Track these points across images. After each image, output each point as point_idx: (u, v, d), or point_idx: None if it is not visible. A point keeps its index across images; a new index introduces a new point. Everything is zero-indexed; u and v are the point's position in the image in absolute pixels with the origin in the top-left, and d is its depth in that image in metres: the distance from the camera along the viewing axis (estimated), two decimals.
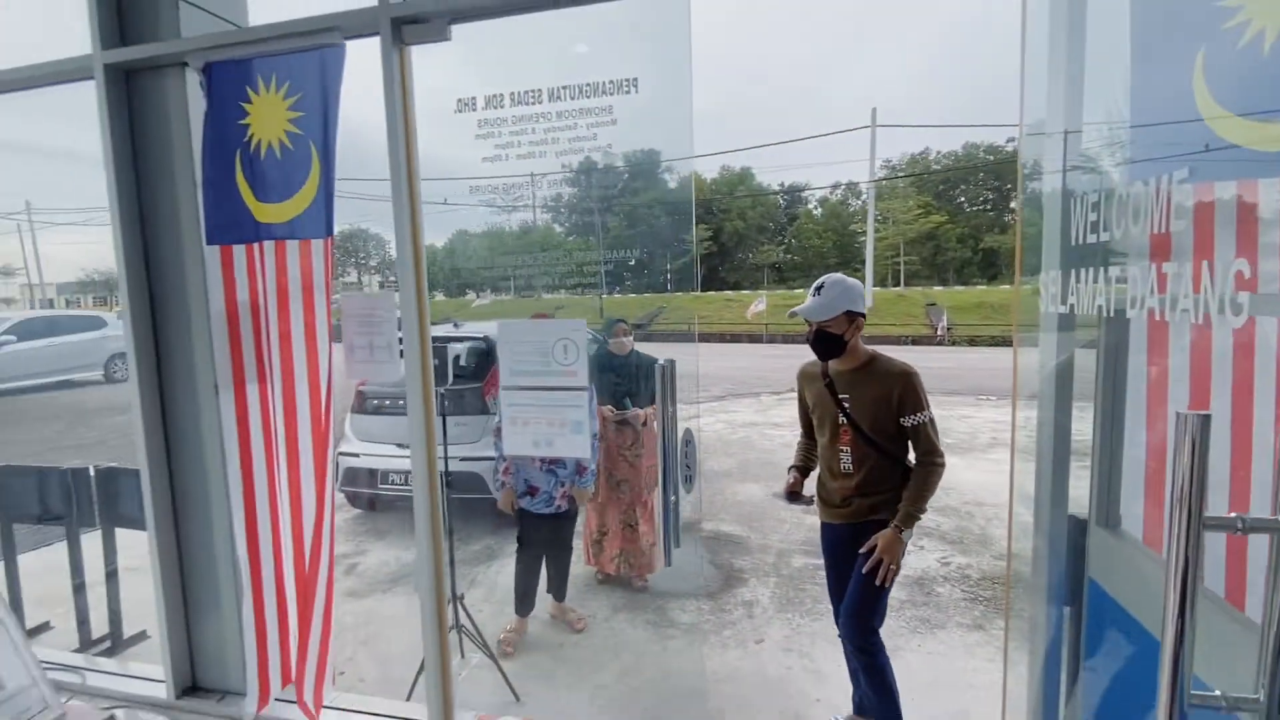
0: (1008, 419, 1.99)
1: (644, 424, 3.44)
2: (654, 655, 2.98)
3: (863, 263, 31.00)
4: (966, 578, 3.70)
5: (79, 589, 3.27)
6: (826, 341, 2.22)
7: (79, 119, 2.59)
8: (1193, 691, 0.98)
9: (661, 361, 2.06)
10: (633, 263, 2.48)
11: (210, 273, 2.18)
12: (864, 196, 37.16)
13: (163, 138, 2.24)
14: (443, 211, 2.70)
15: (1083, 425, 1.69)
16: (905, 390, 2.12)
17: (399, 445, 4.69)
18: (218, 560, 2.40)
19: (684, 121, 2.10)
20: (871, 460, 2.18)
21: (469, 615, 2.56)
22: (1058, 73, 1.71)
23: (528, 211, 2.81)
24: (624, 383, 3.52)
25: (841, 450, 2.22)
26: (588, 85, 1.88)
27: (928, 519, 5.00)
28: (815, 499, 2.37)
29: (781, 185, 43.73)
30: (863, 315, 2.20)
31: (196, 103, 2.16)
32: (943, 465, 2.16)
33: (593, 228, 2.54)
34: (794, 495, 2.35)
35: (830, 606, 2.43)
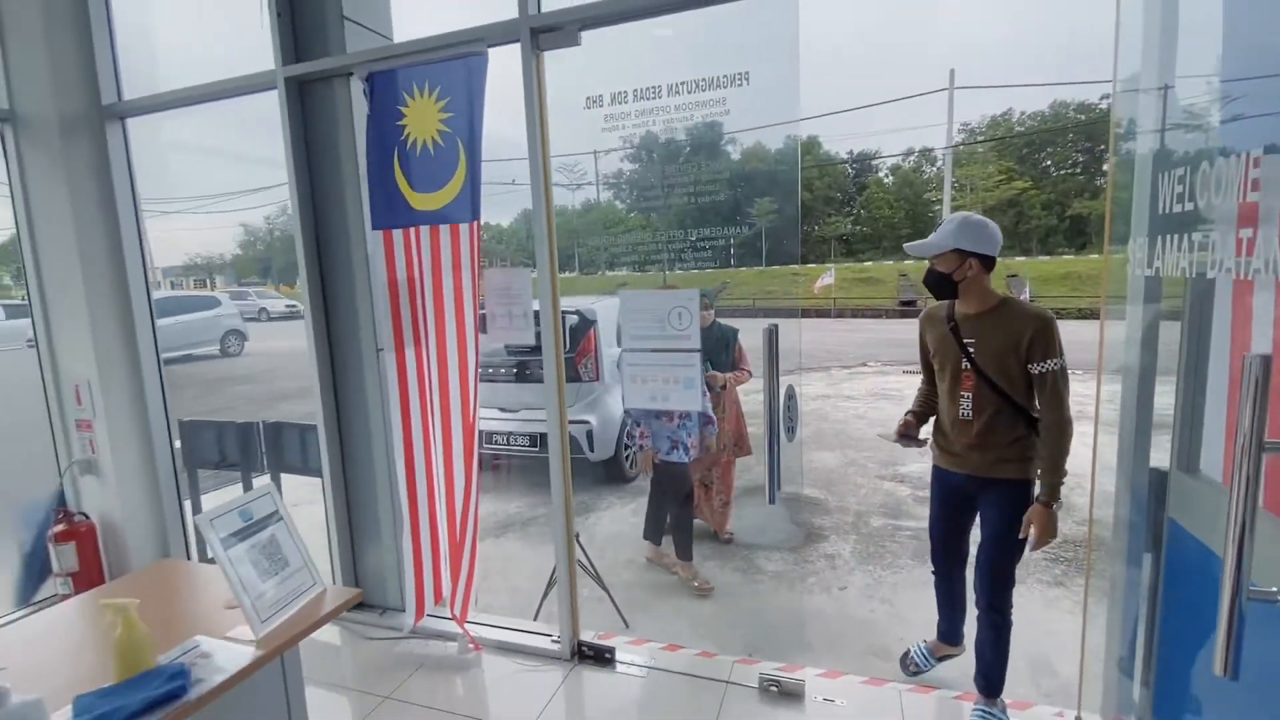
0: (1091, 392, 2.06)
1: (723, 387, 3.66)
2: (745, 596, 3.27)
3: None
4: (1087, 561, 3.81)
5: None
6: (934, 279, 2.12)
7: (190, 115, 2.96)
8: (1251, 588, 1.18)
9: (766, 325, 2.28)
10: (694, 237, 2.54)
11: (374, 253, 2.56)
12: (939, 163, 35.48)
13: (331, 138, 2.63)
14: (507, 191, 2.68)
15: (1164, 398, 1.81)
16: (1036, 334, 1.98)
17: (501, 409, 5.13)
18: (379, 499, 2.83)
19: (791, 106, 2.30)
20: (991, 408, 2.07)
21: (585, 552, 2.92)
22: (1153, 23, 1.77)
23: (591, 189, 2.98)
24: (706, 352, 3.75)
25: (962, 396, 2.11)
26: (703, 80, 2.12)
27: None
28: (931, 444, 2.31)
29: (850, 153, 42.15)
30: (981, 255, 2.03)
31: (360, 107, 2.53)
32: (1069, 423, 2.01)
33: (654, 203, 2.59)
34: (906, 437, 2.31)
35: (930, 548, 2.43)
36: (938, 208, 31.11)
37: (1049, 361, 1.99)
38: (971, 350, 2.09)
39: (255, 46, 2.68)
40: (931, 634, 2.56)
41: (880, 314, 22.16)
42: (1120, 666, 2.05)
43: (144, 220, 3.17)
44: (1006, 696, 2.24)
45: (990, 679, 2.19)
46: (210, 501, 3.68)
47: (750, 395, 3.53)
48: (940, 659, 2.50)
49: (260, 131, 3.09)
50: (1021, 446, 2.09)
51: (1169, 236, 1.60)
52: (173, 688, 1.21)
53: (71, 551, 3.02)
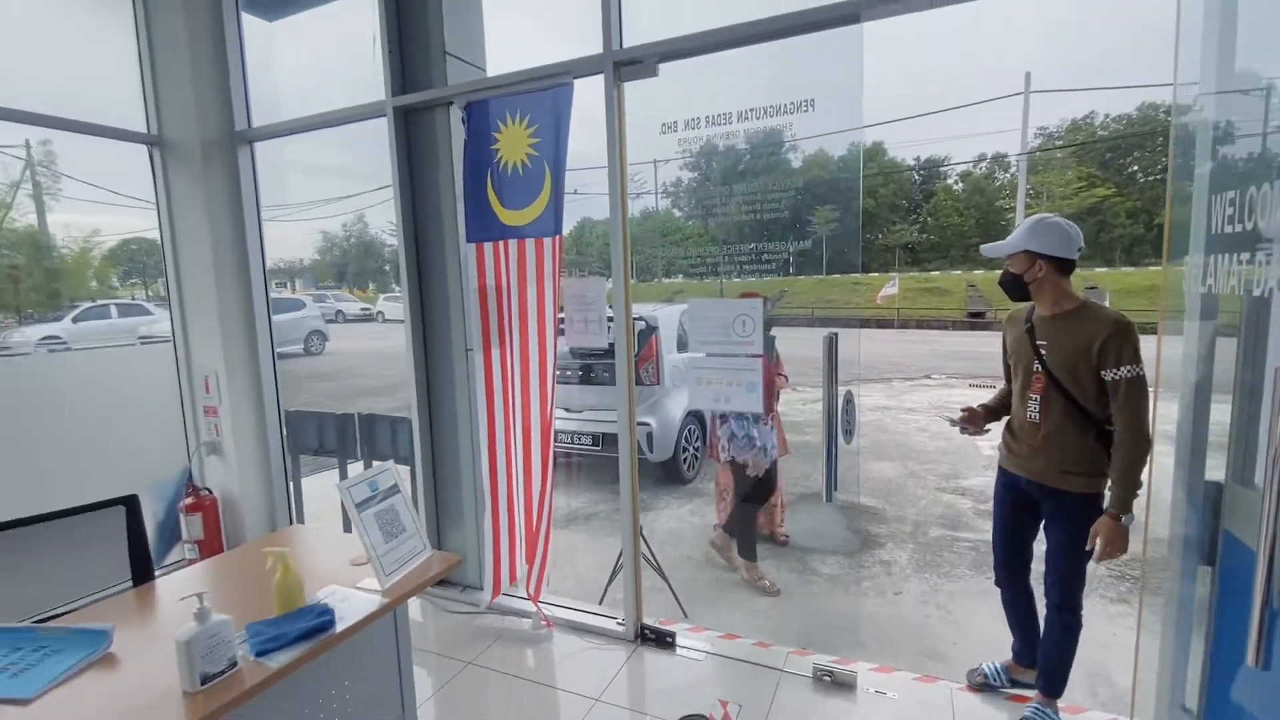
0: (1163, 410, 2.05)
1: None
2: (800, 596, 3.38)
3: None
4: (1143, 572, 3.76)
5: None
6: (1006, 280, 2.11)
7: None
8: None
9: (826, 333, 2.42)
10: (752, 245, 2.56)
11: (467, 263, 2.85)
12: (1013, 169, 34.13)
13: (432, 161, 2.93)
14: (570, 201, 2.72)
15: (1220, 415, 1.84)
16: (1110, 339, 1.90)
17: (566, 410, 5.41)
18: (463, 485, 3.11)
19: (854, 120, 2.44)
20: (1059, 412, 2.03)
21: (648, 545, 3.11)
22: (1211, 33, 1.80)
23: (650, 198, 3.09)
24: None
25: (1031, 398, 2.08)
26: (771, 107, 2.29)
27: None
28: (1000, 444, 2.30)
29: (917, 160, 41.01)
30: (1053, 258, 2.01)
31: (458, 133, 2.82)
32: (1146, 438, 1.93)
33: (713, 211, 2.63)
34: (968, 422, 2.33)
35: (993, 561, 2.37)
36: (1010, 215, 29.88)
37: (1123, 368, 1.91)
38: (1044, 352, 2.06)
39: (357, 78, 3.03)
40: (994, 650, 2.59)
41: (946, 325, 21.53)
42: (1174, 674, 2.08)
43: (264, 232, 3.58)
44: (1061, 702, 2.30)
45: (1051, 679, 2.19)
46: (308, 484, 4.08)
47: (806, 404, 3.64)
48: (1014, 681, 2.42)
49: (337, 146, 3.45)
50: (1090, 458, 2.02)
51: (1221, 255, 1.67)
52: (322, 621, 1.47)
53: (198, 521, 3.44)
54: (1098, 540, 1.96)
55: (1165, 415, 2.10)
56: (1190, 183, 1.92)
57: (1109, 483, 2.00)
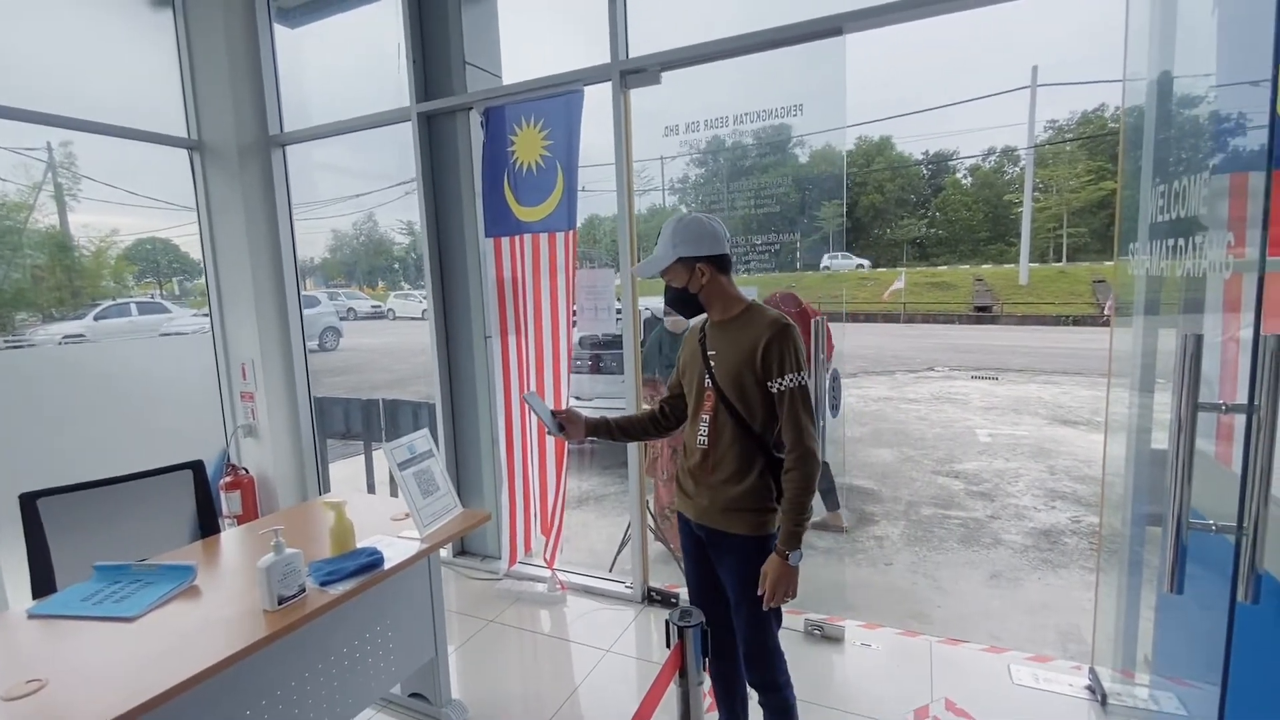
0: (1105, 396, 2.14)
1: None
2: None
3: (1018, 236, 28.51)
4: (1095, 533, 3.97)
5: (370, 487, 4.49)
6: (673, 298, 1.75)
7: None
8: (1191, 520, 1.49)
9: (815, 319, 2.63)
10: (758, 241, 2.63)
11: (485, 257, 3.09)
12: (1023, 163, 34.01)
13: (453, 162, 3.17)
14: (580, 197, 2.87)
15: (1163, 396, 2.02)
16: (771, 342, 1.60)
17: (576, 398, 5.67)
18: (482, 462, 3.36)
19: (837, 130, 2.66)
20: (729, 435, 1.67)
21: (654, 518, 3.36)
22: (1155, 37, 1.97)
23: (657, 194, 3.29)
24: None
25: (702, 419, 1.72)
26: (764, 110, 2.52)
27: (1064, 485, 5.16)
28: (673, 483, 1.91)
29: (925, 154, 40.88)
30: (706, 258, 1.68)
31: (476, 136, 3.06)
32: (816, 456, 1.59)
33: (721, 205, 2.68)
34: (560, 423, 1.84)
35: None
36: (1019, 209, 29.86)
37: (787, 377, 1.59)
38: (713, 364, 1.70)
39: (376, 83, 3.28)
40: (977, 612, 2.69)
41: (953, 320, 21.63)
42: (1127, 625, 2.30)
43: (296, 230, 3.84)
44: (1033, 652, 2.52)
45: None
46: (335, 469, 4.35)
47: None
48: None
49: (348, 147, 3.70)
50: (760, 492, 1.66)
51: (1163, 242, 1.88)
52: (373, 559, 1.72)
53: (237, 498, 3.71)
54: (766, 583, 1.60)
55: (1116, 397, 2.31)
56: (1135, 174, 2.11)
57: (778, 518, 1.65)
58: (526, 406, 1.87)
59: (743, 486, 1.66)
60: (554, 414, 1.84)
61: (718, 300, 1.72)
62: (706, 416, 1.71)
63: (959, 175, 40.65)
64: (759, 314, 1.67)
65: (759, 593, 1.62)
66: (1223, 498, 1.63)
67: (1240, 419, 1.47)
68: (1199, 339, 1.43)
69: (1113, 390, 2.39)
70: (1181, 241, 1.76)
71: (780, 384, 1.60)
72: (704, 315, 1.77)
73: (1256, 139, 1.45)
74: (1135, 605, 2.22)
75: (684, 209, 3.23)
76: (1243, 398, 1.50)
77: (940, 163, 39.85)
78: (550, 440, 3.07)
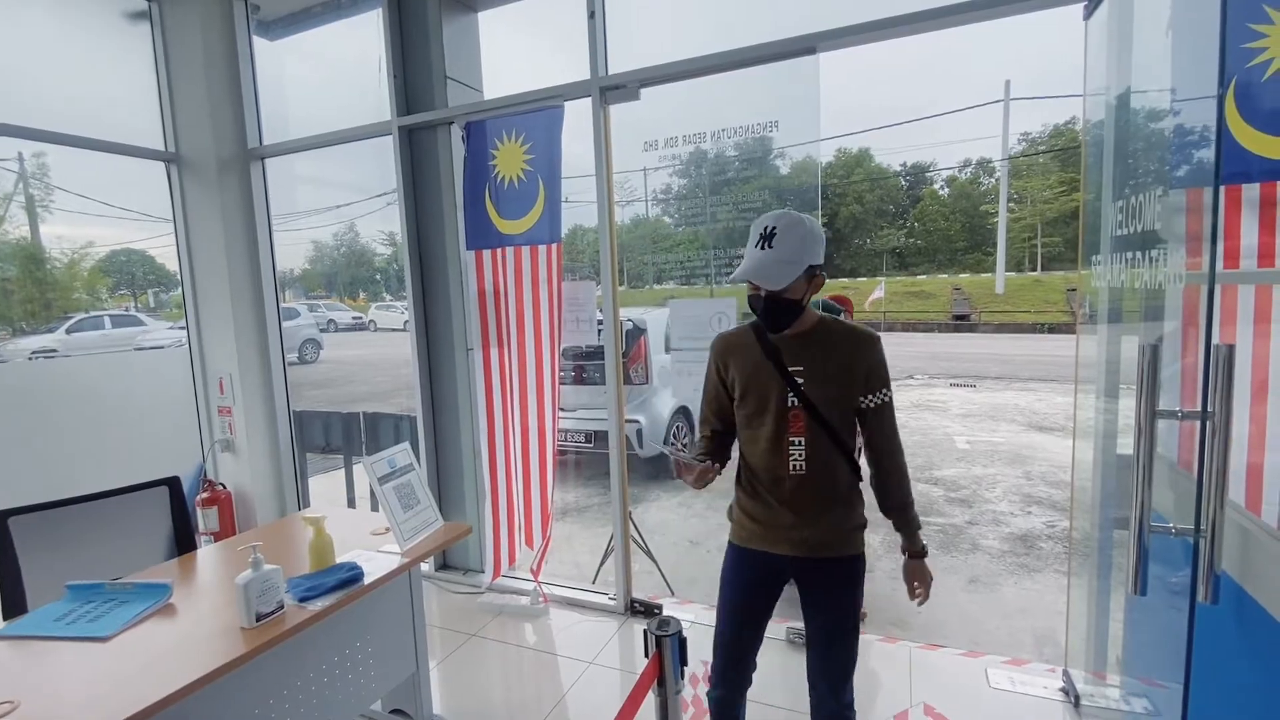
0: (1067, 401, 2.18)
1: None
2: None
3: (994, 246, 29.11)
4: (1070, 538, 4.05)
5: (350, 501, 4.45)
6: (781, 312, 1.55)
7: None
8: (1152, 524, 1.54)
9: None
10: (740, 252, 2.41)
11: (467, 269, 3.10)
12: (998, 174, 34.79)
13: (434, 175, 3.19)
14: (563, 208, 2.91)
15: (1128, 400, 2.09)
16: (872, 356, 1.58)
17: (560, 409, 5.67)
18: (464, 475, 3.35)
19: (813, 143, 2.72)
20: (825, 456, 1.58)
21: (638, 530, 3.37)
22: (1113, 55, 2.02)
23: (639, 205, 3.32)
24: None
25: (792, 443, 1.58)
26: (740, 126, 2.57)
27: (1040, 490, 5.22)
28: (734, 515, 1.74)
29: (904, 165, 41.59)
30: (823, 268, 1.58)
31: (458, 150, 3.08)
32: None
33: (702, 218, 2.69)
34: (696, 473, 1.58)
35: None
36: (995, 220, 30.51)
37: (885, 390, 1.61)
38: (800, 381, 1.58)
39: (355, 96, 3.28)
40: (956, 619, 2.73)
41: (932, 328, 21.95)
42: (1098, 625, 2.35)
43: (275, 243, 3.82)
44: (1009, 656, 2.55)
45: None
46: (315, 484, 4.30)
47: None
48: None
49: (332, 157, 3.66)
50: (859, 508, 1.64)
51: (1123, 254, 1.95)
52: (353, 574, 1.72)
53: (214, 515, 3.65)
54: (916, 585, 1.66)
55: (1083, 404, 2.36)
56: (1098, 189, 2.18)
57: (897, 528, 1.66)
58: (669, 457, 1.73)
59: (849, 507, 1.61)
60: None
61: (807, 312, 1.60)
62: (799, 439, 1.57)
63: (936, 186, 41.39)
64: (836, 325, 1.61)
65: (915, 599, 1.67)
66: (1184, 502, 1.69)
67: (1198, 425, 1.52)
68: (1156, 348, 1.49)
69: (1080, 396, 2.45)
70: (1139, 254, 1.83)
71: (875, 399, 1.59)
72: (738, 329, 1.71)
73: (1207, 156, 1.52)
74: (1106, 607, 2.27)
75: (667, 220, 3.27)
76: (1199, 405, 1.55)
77: (918, 174, 40.55)
78: (535, 452, 3.08)
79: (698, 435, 1.81)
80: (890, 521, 1.68)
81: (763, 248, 1.53)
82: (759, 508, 1.64)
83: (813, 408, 1.56)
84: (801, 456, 1.57)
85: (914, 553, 1.65)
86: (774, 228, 1.53)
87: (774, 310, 1.55)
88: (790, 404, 1.57)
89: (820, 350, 1.57)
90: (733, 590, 1.72)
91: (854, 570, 1.62)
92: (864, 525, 1.65)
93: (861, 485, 1.67)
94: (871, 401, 1.58)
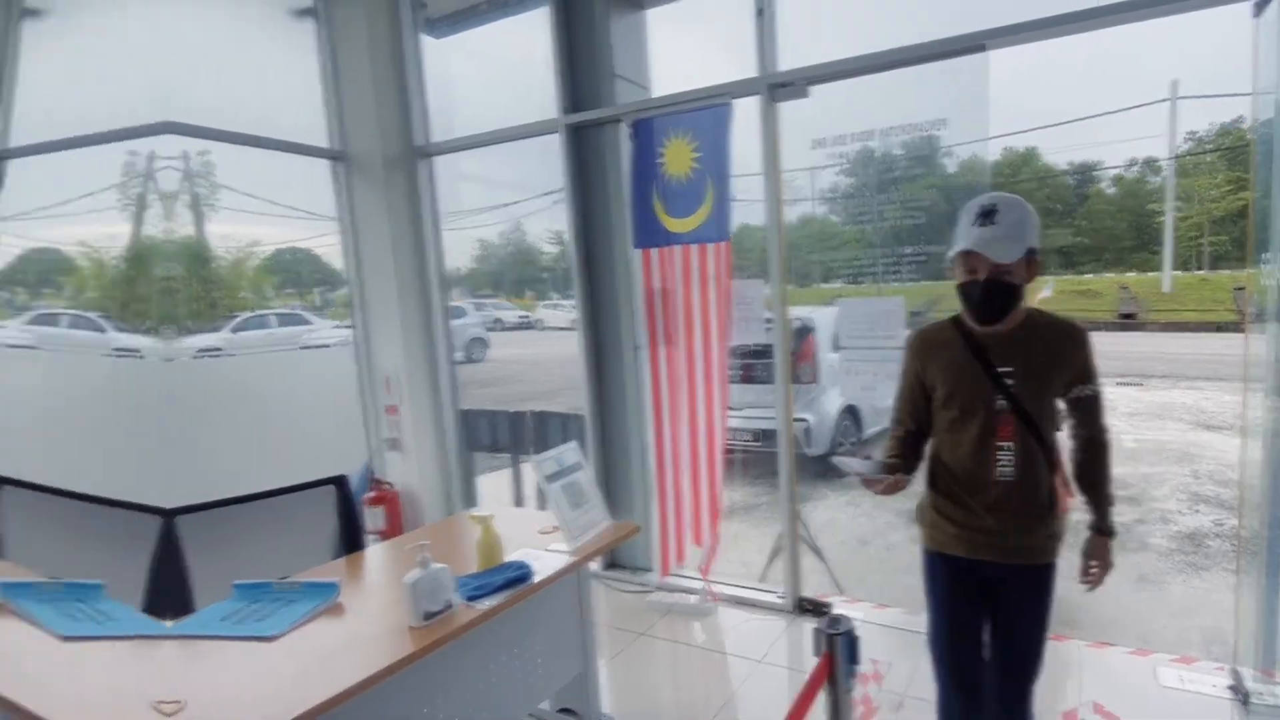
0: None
1: None
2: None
3: (1161, 244, 26.76)
4: (1238, 536, 3.71)
5: (518, 500, 4.52)
6: (1002, 295, 1.46)
7: None
8: None
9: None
10: (908, 251, 2.59)
11: (634, 268, 3.14)
12: (1164, 173, 31.68)
13: (600, 174, 3.23)
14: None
15: None
16: (1084, 349, 1.52)
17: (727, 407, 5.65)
18: (632, 474, 3.35)
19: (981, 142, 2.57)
20: (1034, 458, 1.51)
21: (806, 528, 3.26)
22: None
23: (806, 204, 3.24)
24: None
25: (1001, 447, 1.51)
26: (909, 124, 2.47)
27: (1208, 489, 5.00)
28: (935, 520, 1.64)
29: (1070, 164, 38.81)
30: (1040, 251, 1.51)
31: (625, 148, 3.08)
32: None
33: (869, 216, 2.65)
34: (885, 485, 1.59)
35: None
36: (1161, 218, 27.99)
37: (1096, 381, 1.55)
38: (1010, 382, 1.51)
39: (522, 94, 3.32)
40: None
41: (1099, 326, 20.56)
42: (1267, 625, 2.17)
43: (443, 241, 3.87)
44: (1178, 654, 2.47)
45: None
46: (482, 483, 4.43)
47: None
48: None
49: (501, 155, 3.67)
50: (1059, 511, 1.59)
51: None
52: (521, 573, 1.71)
53: (381, 514, 3.71)
54: (1094, 565, 1.58)
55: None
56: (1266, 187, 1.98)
57: (1091, 504, 1.59)
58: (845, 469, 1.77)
59: (1052, 513, 1.55)
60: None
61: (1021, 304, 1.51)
62: (1008, 444, 1.51)
63: (1103, 185, 38.27)
64: (1043, 318, 1.56)
65: (1087, 583, 1.60)
66: None
67: None
68: None
69: (1250, 395, 2.33)
70: None
71: (1087, 390, 1.54)
72: (938, 324, 1.63)
73: None
74: (1275, 606, 2.18)
75: (834, 219, 3.19)
76: None
77: (1085, 173, 37.64)
78: (704, 450, 3.03)
79: (890, 433, 1.75)
80: (1084, 499, 1.60)
81: (983, 224, 1.44)
82: (959, 511, 1.59)
83: (1022, 411, 1.50)
84: (1011, 463, 1.51)
85: (1102, 529, 1.58)
86: (994, 205, 1.45)
87: (994, 294, 1.46)
88: (999, 407, 1.51)
89: (1029, 348, 1.50)
90: (939, 599, 1.68)
91: (1051, 578, 1.57)
92: (1063, 534, 1.59)
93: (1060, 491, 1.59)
94: (1083, 392, 1.54)
